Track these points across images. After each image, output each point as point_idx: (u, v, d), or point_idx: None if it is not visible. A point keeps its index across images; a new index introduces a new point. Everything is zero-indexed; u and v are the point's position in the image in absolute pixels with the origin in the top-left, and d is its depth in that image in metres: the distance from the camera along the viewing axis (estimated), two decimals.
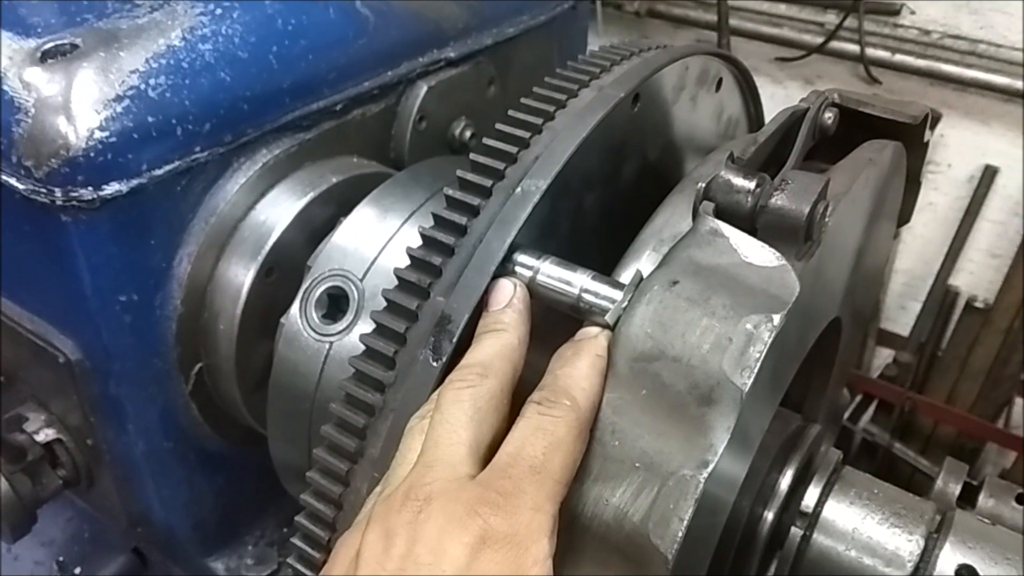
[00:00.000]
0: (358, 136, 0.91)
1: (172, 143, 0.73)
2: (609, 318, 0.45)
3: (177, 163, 0.74)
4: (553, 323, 0.52)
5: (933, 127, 2.27)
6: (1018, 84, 2.12)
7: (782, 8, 2.37)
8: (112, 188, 0.70)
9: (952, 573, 0.61)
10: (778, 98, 2.53)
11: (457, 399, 0.47)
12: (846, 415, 2.60)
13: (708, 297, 0.43)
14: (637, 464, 0.42)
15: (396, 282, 0.54)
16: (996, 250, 2.42)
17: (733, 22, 2.37)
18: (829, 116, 0.57)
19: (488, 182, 0.51)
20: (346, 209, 0.81)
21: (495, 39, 1.05)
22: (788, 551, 0.65)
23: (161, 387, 0.84)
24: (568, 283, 0.48)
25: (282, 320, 0.76)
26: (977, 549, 0.62)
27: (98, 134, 0.68)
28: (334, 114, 0.88)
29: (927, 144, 0.73)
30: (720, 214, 0.48)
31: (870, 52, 2.23)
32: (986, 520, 0.67)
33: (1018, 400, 2.59)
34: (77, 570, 1.11)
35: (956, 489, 0.95)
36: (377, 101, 0.93)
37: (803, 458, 0.67)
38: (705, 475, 0.41)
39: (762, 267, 0.44)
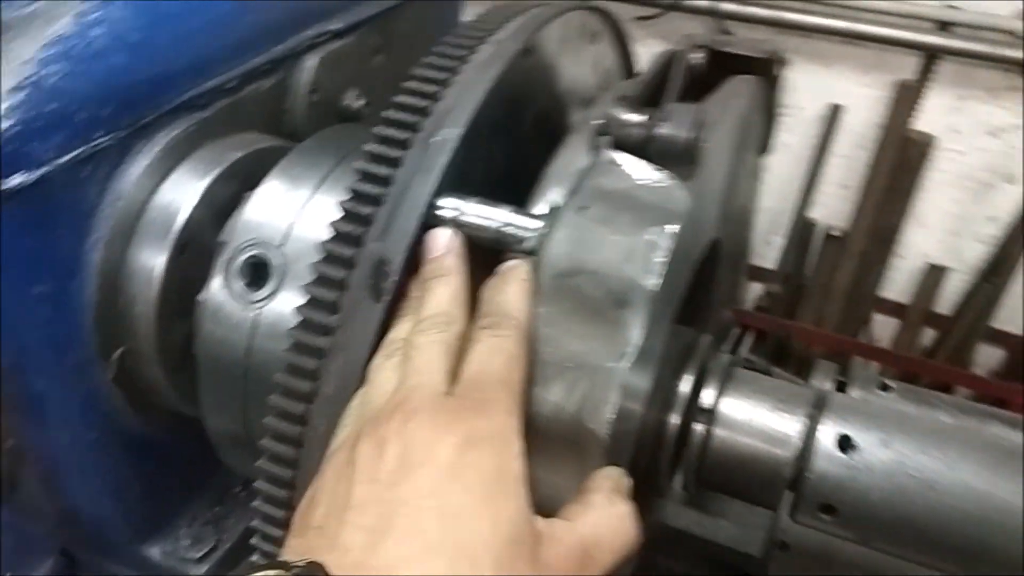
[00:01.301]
0: (253, 111, 0.93)
1: (73, 130, 0.74)
2: (530, 245, 0.51)
3: (80, 149, 0.74)
4: (474, 261, 0.57)
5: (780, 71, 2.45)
6: (857, 27, 2.32)
7: None
8: (17, 180, 0.70)
9: (833, 443, 0.72)
10: (641, 56, 2.66)
11: (430, 340, 0.52)
12: (726, 346, 2.79)
13: (614, 217, 0.50)
14: (568, 365, 0.49)
15: (317, 246, 0.58)
16: (847, 181, 2.65)
17: None
18: (698, 56, 0.65)
19: (405, 135, 0.56)
20: (251, 183, 0.83)
21: (377, 9, 1.08)
22: (693, 446, 0.74)
23: (82, 377, 0.84)
24: (491, 219, 0.54)
25: (199, 298, 0.78)
26: (852, 421, 0.72)
27: None
28: (228, 91, 0.89)
29: (778, 78, 0.83)
30: (616, 146, 0.54)
31: (721, 6, 2.38)
32: (858, 396, 0.78)
33: (877, 316, 2.86)
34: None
35: (829, 385, 1.08)
36: (269, 76, 0.94)
37: (699, 364, 0.76)
38: (626, 364, 0.48)
39: (656, 186, 0.51)
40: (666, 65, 0.61)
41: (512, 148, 0.65)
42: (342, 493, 0.48)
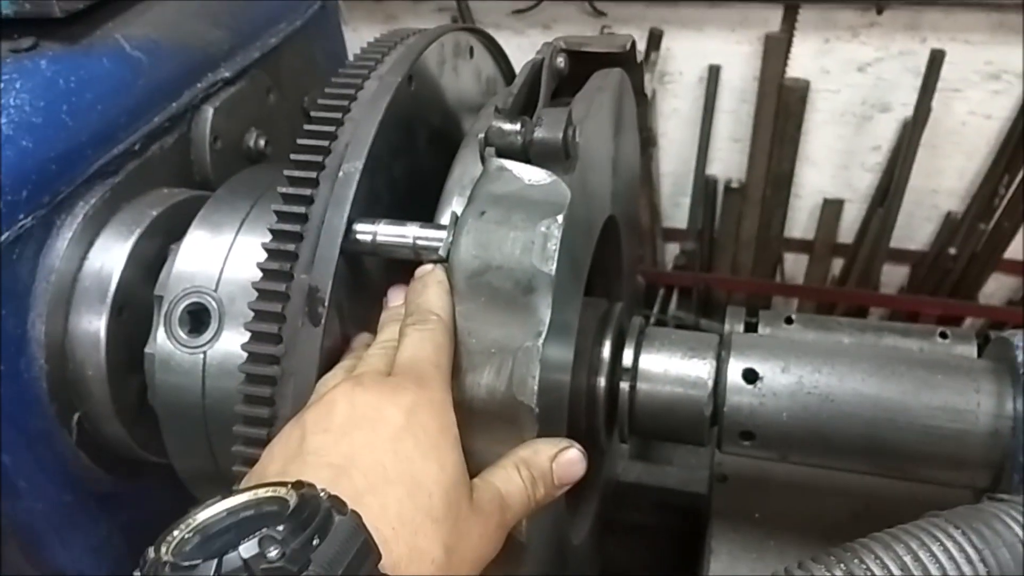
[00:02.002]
0: (162, 168, 0.97)
1: None
2: (441, 252, 0.58)
3: (6, 234, 0.78)
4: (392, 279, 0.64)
5: (658, 45, 2.57)
6: None
7: None
8: None
9: (740, 377, 0.81)
10: (523, 47, 2.73)
11: (375, 353, 0.61)
12: (656, 308, 2.92)
13: (509, 216, 0.57)
14: (492, 350, 0.56)
15: (250, 286, 0.63)
16: (737, 135, 2.79)
17: None
18: (560, 60, 0.73)
19: (312, 174, 0.62)
20: (173, 237, 0.88)
21: (261, 51, 1.13)
22: (623, 403, 0.83)
23: (47, 445, 0.88)
24: (403, 236, 0.61)
25: (147, 351, 0.83)
26: (753, 355, 0.82)
27: None
28: (135, 154, 0.93)
29: (642, 64, 0.92)
30: (501, 154, 0.62)
31: None
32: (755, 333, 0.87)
33: (787, 256, 3.02)
34: None
35: (740, 327, 1.18)
36: (170, 132, 0.99)
37: (615, 330, 0.84)
38: (541, 341, 0.55)
39: (540, 185, 0.59)
40: (534, 73, 0.68)
41: (413, 167, 0.72)
42: (294, 446, 0.53)
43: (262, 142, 1.10)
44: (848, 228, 2.90)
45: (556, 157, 0.61)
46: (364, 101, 0.66)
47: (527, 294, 0.56)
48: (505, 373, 0.56)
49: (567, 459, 0.61)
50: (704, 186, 2.86)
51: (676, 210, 2.98)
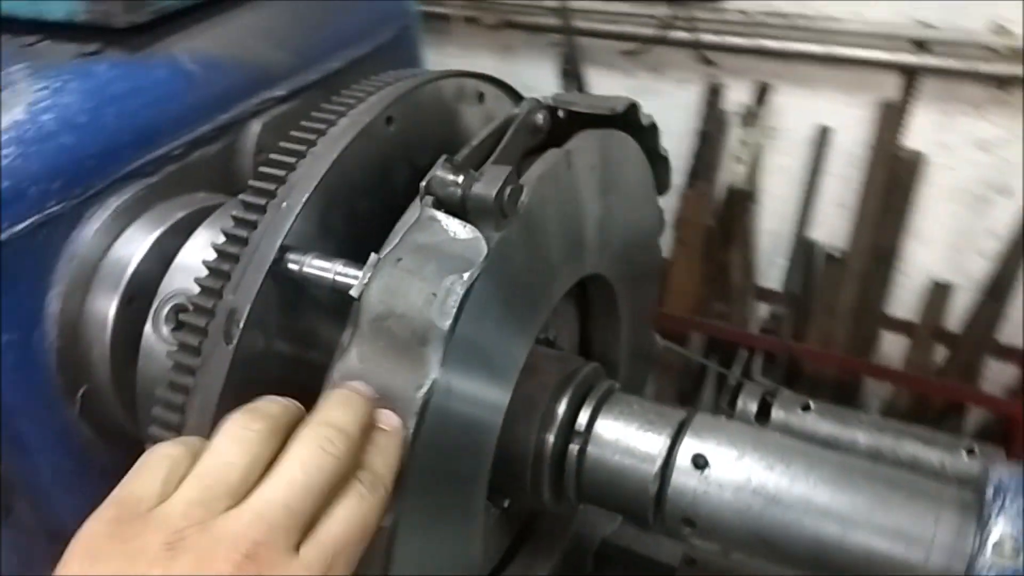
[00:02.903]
0: (202, 174, 1.04)
1: (27, 202, 0.86)
2: (354, 292, 0.60)
3: (35, 218, 0.86)
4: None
5: (763, 99, 2.51)
6: (835, 50, 2.37)
7: (619, 6, 2.57)
8: None
9: (690, 460, 0.78)
10: (631, 88, 2.75)
11: (310, 456, 0.51)
12: (738, 370, 2.83)
13: (422, 266, 0.59)
14: (377, 396, 0.58)
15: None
16: (843, 200, 2.68)
17: (581, 24, 2.57)
18: (540, 117, 0.74)
19: (263, 201, 0.66)
20: None
21: (322, 73, 1.19)
22: (570, 464, 0.82)
23: (53, 414, 0.96)
24: (326, 270, 0.63)
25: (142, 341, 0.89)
26: (710, 440, 0.79)
27: None
28: (175, 158, 1.00)
29: (653, 126, 0.91)
30: (439, 205, 0.63)
31: (702, 37, 2.45)
32: (724, 417, 0.84)
33: (885, 335, 2.85)
34: None
35: (754, 406, 1.14)
36: (215, 142, 1.05)
37: (577, 388, 0.84)
38: (421, 393, 0.56)
39: (462, 240, 0.60)
40: (501, 127, 0.69)
41: (385, 205, 0.75)
42: None
43: None
44: (956, 315, 2.71)
45: (490, 214, 0.62)
46: (329, 138, 0.69)
47: (421, 345, 0.57)
48: None
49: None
50: (803, 249, 2.76)
51: (772, 269, 2.88)
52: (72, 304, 0.93)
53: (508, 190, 0.62)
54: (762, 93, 2.51)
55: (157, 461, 0.54)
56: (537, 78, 2.75)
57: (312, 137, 0.69)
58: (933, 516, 0.71)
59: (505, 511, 0.93)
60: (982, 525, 0.70)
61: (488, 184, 0.62)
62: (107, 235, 0.94)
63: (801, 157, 2.64)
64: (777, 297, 2.88)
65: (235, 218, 0.66)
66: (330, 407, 0.55)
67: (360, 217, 0.72)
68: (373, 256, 0.61)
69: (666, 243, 2.90)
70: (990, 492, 0.71)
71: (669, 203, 2.82)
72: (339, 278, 0.62)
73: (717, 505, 0.76)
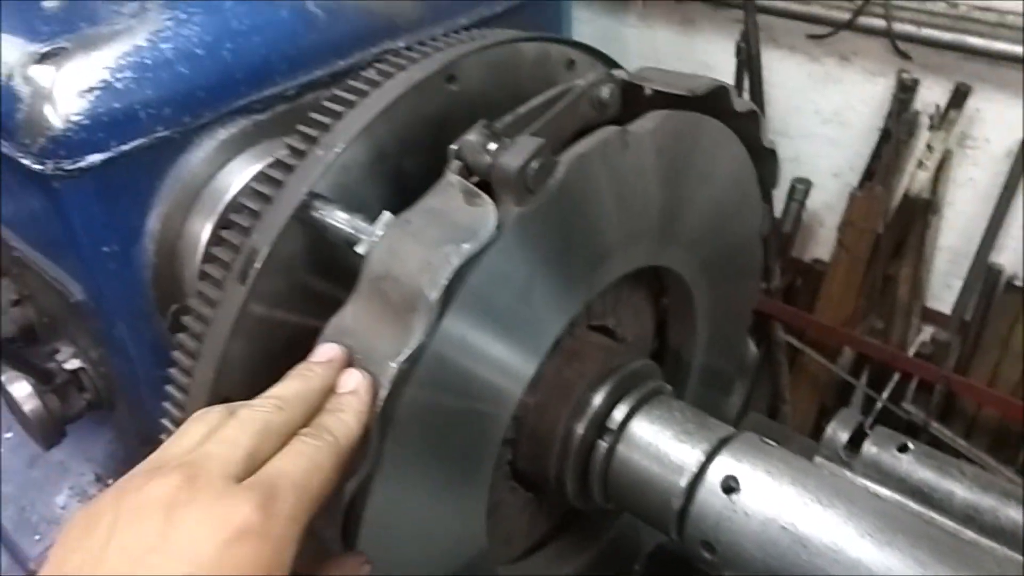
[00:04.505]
0: None
1: (137, 124, 0.92)
2: (360, 249, 0.59)
3: (142, 140, 0.92)
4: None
5: (961, 103, 2.23)
6: None
7: None
8: (89, 160, 0.89)
9: (719, 480, 0.72)
10: (815, 75, 2.54)
11: (251, 416, 0.53)
12: (886, 394, 2.59)
13: (426, 232, 0.57)
14: (359, 357, 0.57)
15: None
16: None
17: (766, 1, 2.40)
18: (606, 91, 0.69)
19: (304, 147, 0.66)
20: None
21: (447, 29, 1.18)
22: (596, 461, 0.78)
23: (148, 324, 1.04)
24: (343, 223, 0.63)
25: None
26: (747, 462, 0.73)
27: (74, 118, 0.87)
28: (287, 99, 1.04)
29: (754, 112, 0.82)
30: (468, 171, 0.61)
31: (898, 27, 2.21)
32: (773, 443, 0.76)
33: None
34: (110, 481, 1.34)
35: (845, 436, 1.04)
36: (329, 87, 1.07)
37: (620, 383, 0.79)
38: (397, 362, 0.55)
39: (473, 210, 0.57)
40: (557, 96, 0.65)
41: (436, 165, 0.73)
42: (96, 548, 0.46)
43: None
44: None
45: (509, 186, 0.58)
46: (382, 90, 0.68)
47: (409, 312, 0.55)
48: None
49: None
50: (983, 273, 2.47)
51: (945, 291, 2.60)
52: (171, 225, 0.99)
53: (536, 164, 0.59)
54: (959, 95, 2.24)
55: (195, 424, 0.55)
56: (715, 55, 2.61)
57: (366, 88, 0.69)
58: None
59: (541, 496, 0.91)
60: None
61: (515, 155, 0.58)
62: (212, 164, 1.00)
63: (995, 171, 2.34)
64: (944, 321, 2.60)
65: (276, 161, 0.67)
66: (284, 381, 0.58)
67: (408, 175, 0.71)
68: (386, 214, 0.60)
69: (826, 246, 2.69)
70: None
71: (837, 204, 2.61)
72: (353, 232, 0.61)
73: (741, 533, 0.70)
